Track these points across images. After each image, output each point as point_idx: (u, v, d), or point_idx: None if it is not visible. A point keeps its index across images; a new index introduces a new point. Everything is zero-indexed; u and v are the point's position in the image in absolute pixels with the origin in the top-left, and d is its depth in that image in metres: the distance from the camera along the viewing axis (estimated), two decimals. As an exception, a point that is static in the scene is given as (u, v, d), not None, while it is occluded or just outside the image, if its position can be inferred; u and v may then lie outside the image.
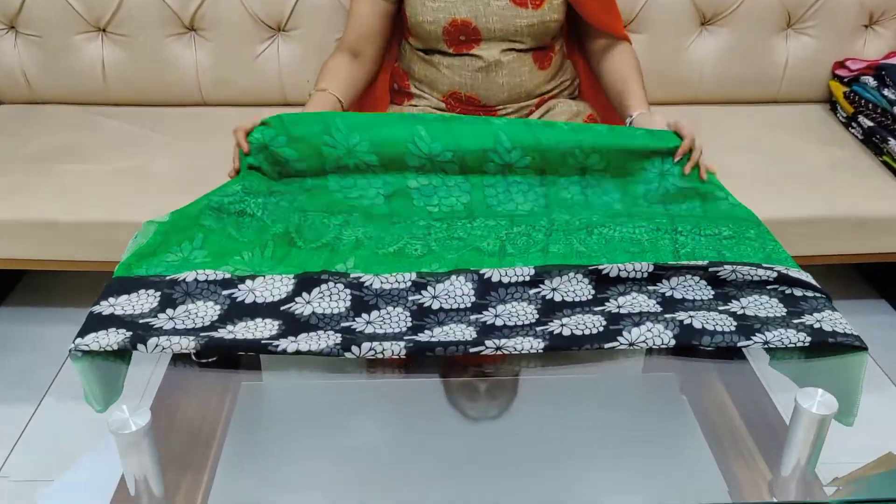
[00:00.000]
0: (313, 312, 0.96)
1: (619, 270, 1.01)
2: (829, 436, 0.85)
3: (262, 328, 0.93)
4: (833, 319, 0.95)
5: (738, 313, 0.97)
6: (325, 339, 0.91)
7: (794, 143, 1.74)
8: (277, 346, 0.90)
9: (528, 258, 1.08)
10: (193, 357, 0.97)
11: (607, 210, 1.19)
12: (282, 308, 0.97)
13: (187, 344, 0.89)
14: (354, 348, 0.90)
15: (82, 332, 0.91)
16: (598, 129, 1.22)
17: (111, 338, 0.89)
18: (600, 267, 1.01)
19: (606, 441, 0.86)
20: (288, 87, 1.82)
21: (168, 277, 0.99)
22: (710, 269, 1.01)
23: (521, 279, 1.01)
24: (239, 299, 0.97)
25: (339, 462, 0.91)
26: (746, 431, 0.89)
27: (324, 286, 0.99)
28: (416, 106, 1.43)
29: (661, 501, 0.81)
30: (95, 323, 0.92)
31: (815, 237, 1.55)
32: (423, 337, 0.92)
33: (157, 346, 0.89)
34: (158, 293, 0.97)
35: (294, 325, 0.94)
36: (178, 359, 0.99)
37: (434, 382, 1.01)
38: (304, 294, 0.98)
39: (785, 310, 0.98)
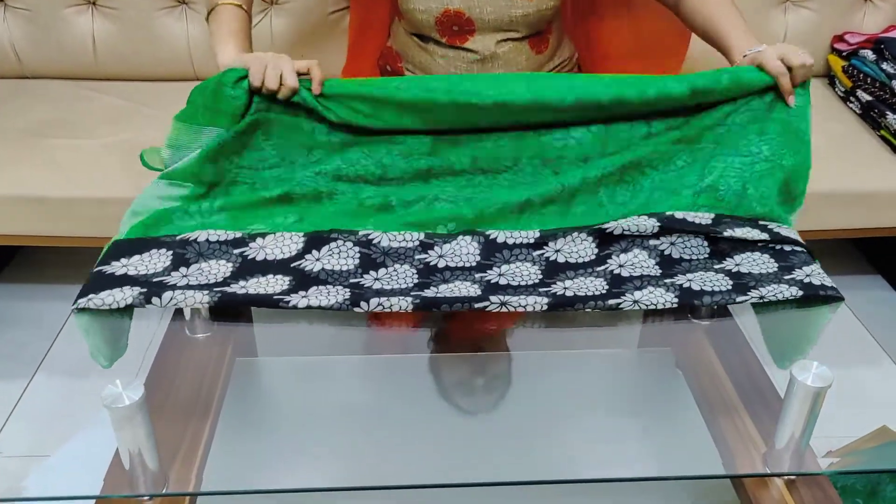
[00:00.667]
0: (322, 269, 0.97)
1: (624, 230, 1.01)
2: (824, 411, 0.85)
3: (273, 284, 0.94)
4: (820, 274, 0.98)
5: (733, 271, 0.99)
6: (334, 295, 0.92)
7: (792, 117, 1.73)
8: (289, 301, 0.90)
9: (545, 219, 1.06)
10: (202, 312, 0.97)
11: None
12: (292, 265, 0.97)
13: (201, 298, 0.90)
14: (363, 303, 0.91)
15: (86, 291, 0.91)
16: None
17: (125, 293, 0.90)
18: (604, 226, 1.02)
19: (603, 415, 0.86)
20: (281, 61, 1.80)
21: (179, 237, 0.99)
22: (711, 233, 1.02)
23: (525, 241, 1.02)
24: (250, 257, 0.98)
25: (333, 438, 0.91)
26: (742, 405, 0.90)
27: (333, 244, 1.00)
28: None
29: (657, 473, 0.82)
30: (105, 282, 0.92)
31: (812, 211, 1.54)
32: (429, 293, 0.93)
33: (171, 299, 0.89)
34: (171, 252, 0.97)
35: (304, 280, 0.95)
36: (173, 331, 0.99)
37: (429, 359, 1.01)
38: (314, 251, 1.00)
39: (776, 265, 1.00)
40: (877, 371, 0.96)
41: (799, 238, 1.05)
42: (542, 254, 1.01)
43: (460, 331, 1.10)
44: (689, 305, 0.94)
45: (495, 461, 0.82)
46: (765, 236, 1.02)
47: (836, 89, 1.84)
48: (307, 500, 0.94)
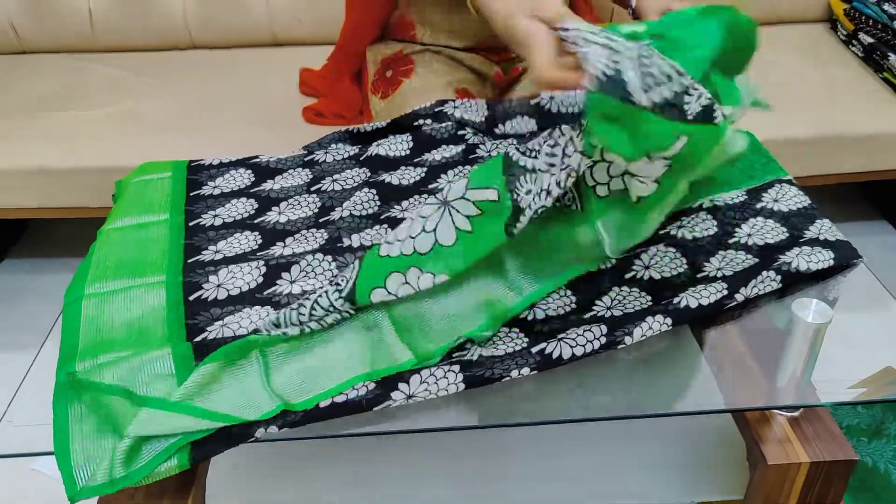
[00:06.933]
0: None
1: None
2: (828, 353, 0.85)
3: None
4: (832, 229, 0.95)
5: (751, 244, 0.93)
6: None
7: (793, 63, 1.71)
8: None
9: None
10: None
11: None
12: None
13: None
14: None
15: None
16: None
17: None
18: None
19: (606, 357, 0.86)
20: (278, 27, 1.80)
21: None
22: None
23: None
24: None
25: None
26: (744, 345, 0.90)
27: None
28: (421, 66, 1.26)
29: (660, 410, 0.83)
30: None
31: (815, 157, 1.54)
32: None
33: None
34: None
35: None
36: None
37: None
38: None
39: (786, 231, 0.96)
40: (883, 315, 0.96)
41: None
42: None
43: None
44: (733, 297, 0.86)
45: (503, 399, 0.82)
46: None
47: (839, 33, 1.82)
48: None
